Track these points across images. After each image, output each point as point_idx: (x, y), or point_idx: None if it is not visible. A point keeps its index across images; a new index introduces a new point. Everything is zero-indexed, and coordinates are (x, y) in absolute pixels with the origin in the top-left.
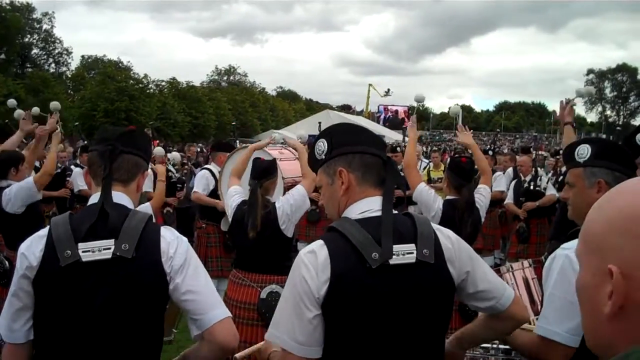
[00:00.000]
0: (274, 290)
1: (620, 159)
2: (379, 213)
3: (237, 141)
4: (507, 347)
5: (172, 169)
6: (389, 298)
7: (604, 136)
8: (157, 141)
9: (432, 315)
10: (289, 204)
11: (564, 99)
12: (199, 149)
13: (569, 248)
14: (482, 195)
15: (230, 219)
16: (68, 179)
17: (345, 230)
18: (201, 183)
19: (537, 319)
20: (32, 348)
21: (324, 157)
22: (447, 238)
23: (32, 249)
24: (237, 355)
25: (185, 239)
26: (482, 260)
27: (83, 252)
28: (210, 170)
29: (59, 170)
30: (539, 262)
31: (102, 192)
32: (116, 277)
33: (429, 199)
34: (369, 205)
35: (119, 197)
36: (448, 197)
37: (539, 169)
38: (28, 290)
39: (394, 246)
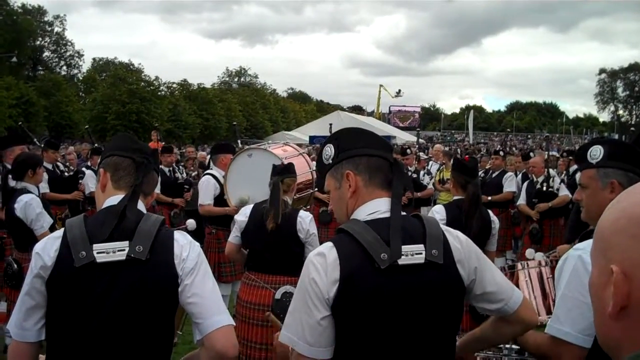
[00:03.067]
0: (288, 290)
1: (633, 160)
2: (387, 214)
3: (239, 140)
4: (520, 347)
5: (178, 169)
6: (398, 298)
7: (616, 136)
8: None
9: (442, 315)
10: (313, 229)
11: None
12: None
13: (581, 249)
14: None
15: (238, 227)
16: (80, 181)
17: (354, 231)
18: (207, 193)
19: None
20: (39, 349)
21: (331, 161)
22: (456, 239)
23: (47, 249)
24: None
25: (197, 244)
26: (490, 262)
27: (98, 253)
28: (214, 176)
29: (71, 173)
30: (556, 261)
31: (130, 198)
32: (130, 278)
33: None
34: (377, 207)
35: (139, 205)
36: (455, 198)
37: (551, 170)
38: (41, 290)
39: (403, 247)
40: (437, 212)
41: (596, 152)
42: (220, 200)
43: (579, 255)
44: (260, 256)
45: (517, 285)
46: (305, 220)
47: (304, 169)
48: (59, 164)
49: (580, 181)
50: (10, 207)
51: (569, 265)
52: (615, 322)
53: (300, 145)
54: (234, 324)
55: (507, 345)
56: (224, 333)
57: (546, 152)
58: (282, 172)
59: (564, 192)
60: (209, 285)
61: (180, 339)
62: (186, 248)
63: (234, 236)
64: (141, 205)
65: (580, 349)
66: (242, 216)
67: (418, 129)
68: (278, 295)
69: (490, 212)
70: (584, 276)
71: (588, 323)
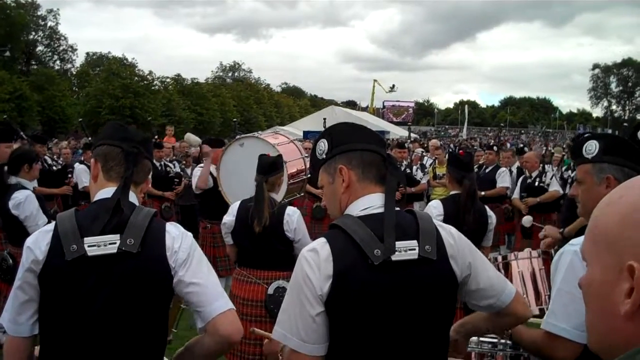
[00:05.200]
0: (280, 285)
1: (629, 155)
2: (381, 210)
3: (238, 137)
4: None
5: (170, 164)
6: (391, 294)
7: (609, 131)
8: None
9: (435, 311)
10: (301, 226)
11: None
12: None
13: (577, 244)
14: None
15: (227, 227)
16: (69, 176)
17: (347, 227)
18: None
19: (539, 309)
20: (34, 343)
21: (324, 156)
22: (449, 234)
23: (38, 243)
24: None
25: (190, 234)
26: (483, 257)
27: (89, 246)
28: None
29: (59, 167)
30: (548, 254)
31: (122, 191)
32: (121, 271)
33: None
34: (371, 202)
35: (131, 196)
36: (452, 193)
37: (546, 165)
38: (34, 284)
39: (396, 242)
40: (435, 208)
41: (591, 147)
42: (214, 192)
43: (575, 250)
44: (250, 252)
45: (510, 279)
46: (293, 217)
47: (296, 156)
48: (46, 158)
49: (576, 176)
50: (4, 202)
51: (564, 260)
52: (628, 322)
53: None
54: (234, 308)
55: (502, 341)
56: (226, 317)
57: (544, 147)
58: (267, 170)
59: (554, 187)
60: (204, 272)
61: (175, 335)
62: (178, 239)
63: (227, 237)
64: (133, 197)
65: (576, 345)
66: (229, 216)
67: (409, 124)
68: (271, 291)
69: (486, 207)
70: (580, 271)
71: (584, 319)
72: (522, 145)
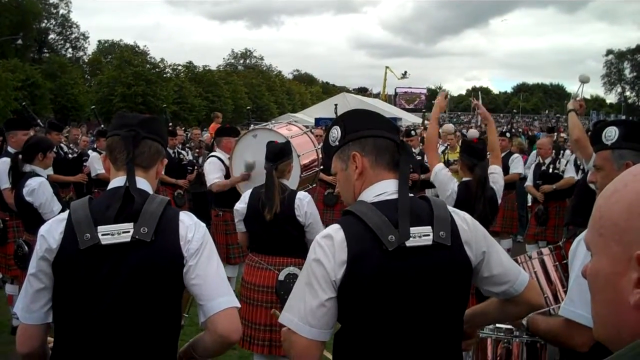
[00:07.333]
0: (292, 272)
1: None
2: (394, 196)
3: (252, 125)
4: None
5: (183, 151)
6: (406, 280)
7: (623, 117)
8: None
9: (449, 297)
10: (312, 210)
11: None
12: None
13: None
14: (495, 174)
15: (239, 214)
16: (85, 164)
17: (362, 213)
18: (215, 170)
19: (555, 308)
20: (47, 331)
21: (337, 143)
22: (464, 220)
23: (52, 231)
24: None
25: (203, 224)
26: (497, 243)
27: (102, 235)
28: (218, 158)
29: (75, 155)
30: (559, 247)
31: (128, 177)
32: (135, 260)
33: (444, 180)
34: (384, 188)
35: (140, 182)
36: (464, 179)
37: (561, 151)
38: (48, 272)
39: (411, 228)
40: (453, 190)
41: (611, 133)
42: None
43: None
44: (262, 238)
45: None
46: (303, 202)
47: (309, 148)
48: (62, 145)
49: (595, 162)
50: (19, 189)
51: (582, 247)
52: (637, 312)
53: (305, 127)
54: (239, 305)
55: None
56: (226, 315)
57: (555, 134)
58: (275, 157)
59: (570, 174)
60: (213, 266)
61: (187, 321)
62: (191, 229)
63: (239, 225)
64: (146, 184)
65: None
66: (241, 203)
67: (424, 110)
68: (282, 277)
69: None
70: None
71: None
72: (553, 126)
